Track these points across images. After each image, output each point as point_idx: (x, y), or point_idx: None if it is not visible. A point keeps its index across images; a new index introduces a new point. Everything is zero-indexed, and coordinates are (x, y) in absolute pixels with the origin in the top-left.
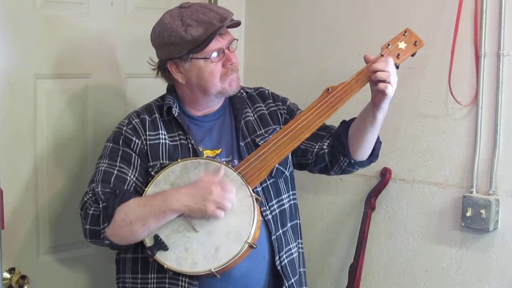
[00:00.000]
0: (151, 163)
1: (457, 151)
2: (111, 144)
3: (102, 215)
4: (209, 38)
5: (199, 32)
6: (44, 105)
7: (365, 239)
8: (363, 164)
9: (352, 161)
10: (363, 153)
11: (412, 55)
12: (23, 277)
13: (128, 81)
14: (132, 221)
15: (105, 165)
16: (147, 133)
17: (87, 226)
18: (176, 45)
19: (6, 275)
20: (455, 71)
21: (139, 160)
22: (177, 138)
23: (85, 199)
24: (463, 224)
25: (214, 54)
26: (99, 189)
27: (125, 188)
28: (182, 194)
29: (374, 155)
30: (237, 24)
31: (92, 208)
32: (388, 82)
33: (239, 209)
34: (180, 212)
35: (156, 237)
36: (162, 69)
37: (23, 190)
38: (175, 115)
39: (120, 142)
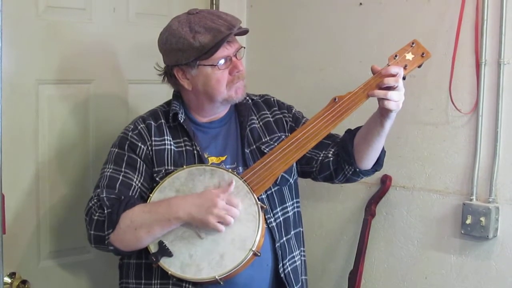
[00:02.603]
0: (156, 169)
1: (457, 159)
2: (116, 150)
3: (107, 221)
4: (217, 45)
5: (207, 39)
6: (46, 111)
7: (365, 245)
8: (367, 173)
9: (357, 169)
10: (369, 162)
11: (419, 67)
12: (24, 282)
13: (130, 87)
14: (137, 227)
15: (110, 170)
16: (153, 138)
17: (92, 232)
18: (184, 51)
19: (7, 279)
20: (455, 79)
21: (144, 165)
22: (183, 144)
23: (90, 204)
24: (462, 232)
25: (222, 62)
26: (104, 195)
27: (130, 193)
28: (188, 203)
29: (378, 163)
30: (245, 32)
31: (97, 214)
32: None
33: (244, 217)
34: (184, 221)
35: (161, 243)
36: (168, 75)
37: (24, 195)
38: (181, 121)
39: (126, 147)
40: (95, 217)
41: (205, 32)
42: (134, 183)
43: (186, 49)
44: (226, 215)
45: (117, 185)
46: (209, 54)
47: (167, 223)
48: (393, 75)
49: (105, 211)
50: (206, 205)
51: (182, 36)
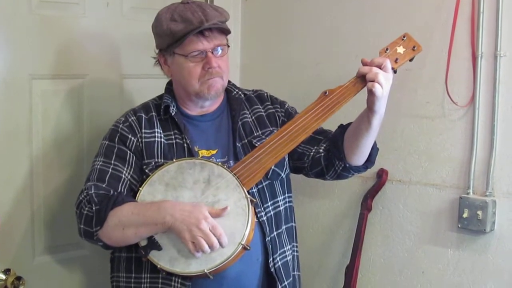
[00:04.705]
0: (146, 161)
1: (454, 152)
2: (107, 142)
3: (95, 218)
4: (185, 36)
5: (178, 28)
6: (40, 106)
7: (361, 240)
8: (358, 169)
9: (347, 165)
10: (359, 158)
11: (410, 60)
12: (19, 278)
13: (124, 82)
14: (124, 227)
15: (100, 163)
16: (143, 130)
17: (82, 226)
18: (160, 36)
19: (2, 276)
20: (452, 72)
21: (134, 157)
22: (173, 137)
23: (81, 198)
24: (459, 225)
25: (193, 54)
26: (93, 191)
27: (120, 186)
28: (176, 209)
29: (370, 161)
30: (224, 30)
31: (86, 209)
32: (376, 82)
33: (233, 210)
34: (170, 225)
35: (150, 237)
36: (158, 60)
37: (18, 191)
38: (172, 114)
39: (116, 139)
40: (85, 212)
41: (180, 21)
42: (123, 176)
43: (161, 34)
44: (201, 239)
45: (107, 178)
46: (179, 43)
47: (154, 227)
48: (378, 66)
49: (93, 208)
50: (192, 221)
51: (160, 21)
